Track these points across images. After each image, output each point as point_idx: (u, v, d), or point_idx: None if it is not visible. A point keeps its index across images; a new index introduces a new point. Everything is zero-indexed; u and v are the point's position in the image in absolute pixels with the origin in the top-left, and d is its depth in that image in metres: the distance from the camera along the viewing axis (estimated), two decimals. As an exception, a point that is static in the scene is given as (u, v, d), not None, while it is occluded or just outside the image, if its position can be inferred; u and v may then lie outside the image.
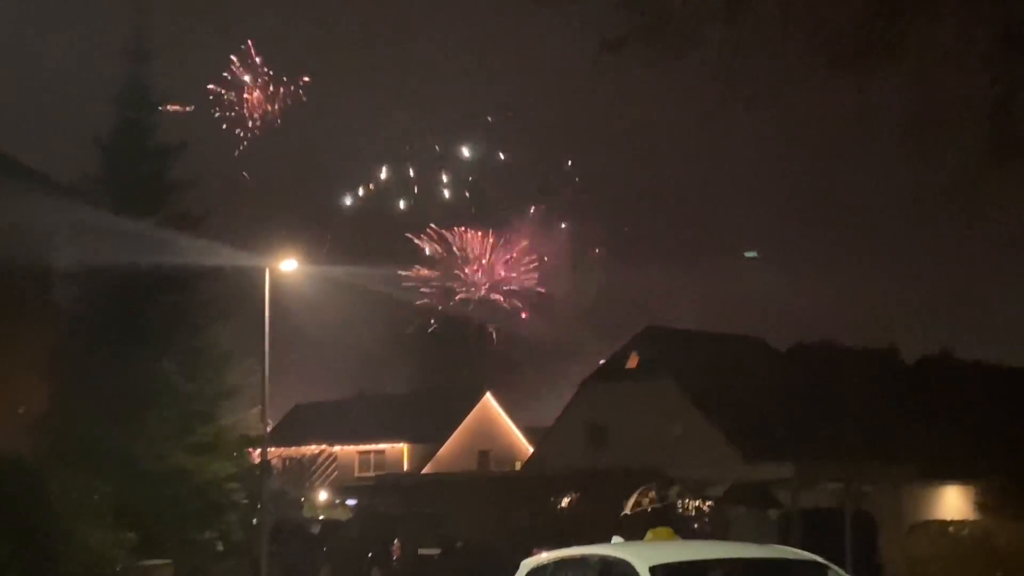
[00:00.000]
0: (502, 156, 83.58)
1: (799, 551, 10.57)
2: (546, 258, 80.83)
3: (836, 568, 9.92)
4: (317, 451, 59.56)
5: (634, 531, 12.00)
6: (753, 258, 35.72)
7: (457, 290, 79.88)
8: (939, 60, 10.94)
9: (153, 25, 29.75)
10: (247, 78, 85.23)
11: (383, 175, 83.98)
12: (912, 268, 75.94)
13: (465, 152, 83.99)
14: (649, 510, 17.64)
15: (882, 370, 43.79)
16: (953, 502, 37.18)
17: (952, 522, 25.68)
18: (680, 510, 29.62)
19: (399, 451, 59.01)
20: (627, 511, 25.59)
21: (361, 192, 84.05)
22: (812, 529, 28.99)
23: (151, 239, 27.50)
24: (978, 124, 11.70)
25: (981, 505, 35.34)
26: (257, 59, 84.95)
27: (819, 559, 10.06)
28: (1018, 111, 11.45)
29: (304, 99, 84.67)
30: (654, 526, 11.94)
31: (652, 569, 9.29)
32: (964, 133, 11.96)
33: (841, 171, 78.96)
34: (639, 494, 21.73)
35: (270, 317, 29.77)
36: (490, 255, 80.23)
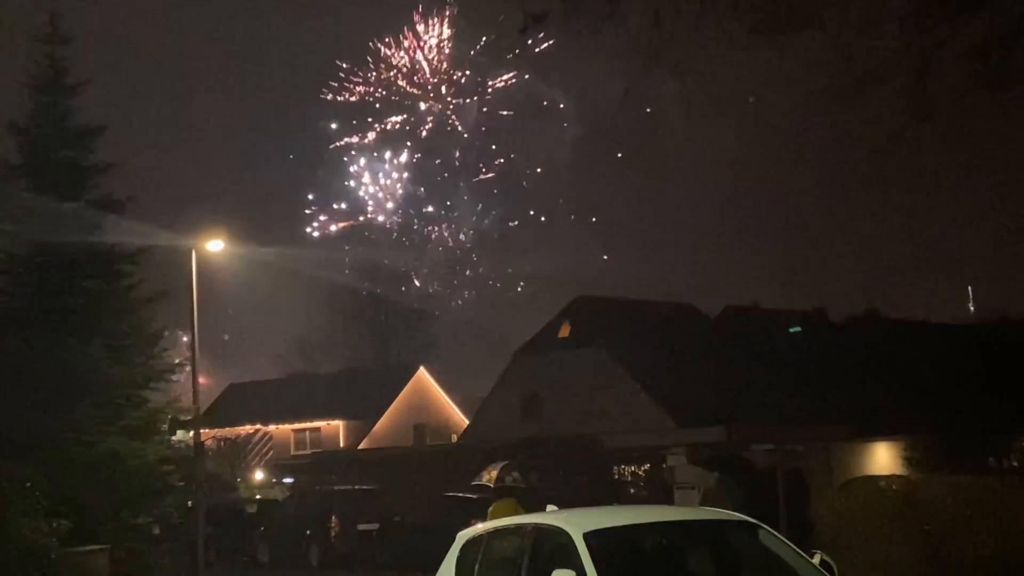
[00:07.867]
0: None
1: (731, 512, 10.73)
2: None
3: (766, 527, 10.09)
4: (252, 430, 59.27)
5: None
6: (796, 333, 36.41)
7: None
8: (856, 27, 11.07)
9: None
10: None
11: None
12: (836, 231, 77.00)
13: None
14: (493, 487, 17.32)
15: (810, 331, 44.41)
16: (883, 458, 37.77)
17: (881, 477, 26.00)
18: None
19: (335, 428, 58.87)
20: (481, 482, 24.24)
21: None
22: (746, 490, 29.31)
23: (74, 223, 27.19)
24: (898, 87, 11.86)
25: (908, 460, 35.96)
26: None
27: (750, 519, 10.22)
28: (936, 73, 11.61)
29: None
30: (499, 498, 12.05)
31: (586, 535, 9.39)
32: (885, 96, 12.12)
33: (765, 138, 79.71)
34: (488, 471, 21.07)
35: (199, 298, 29.53)
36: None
